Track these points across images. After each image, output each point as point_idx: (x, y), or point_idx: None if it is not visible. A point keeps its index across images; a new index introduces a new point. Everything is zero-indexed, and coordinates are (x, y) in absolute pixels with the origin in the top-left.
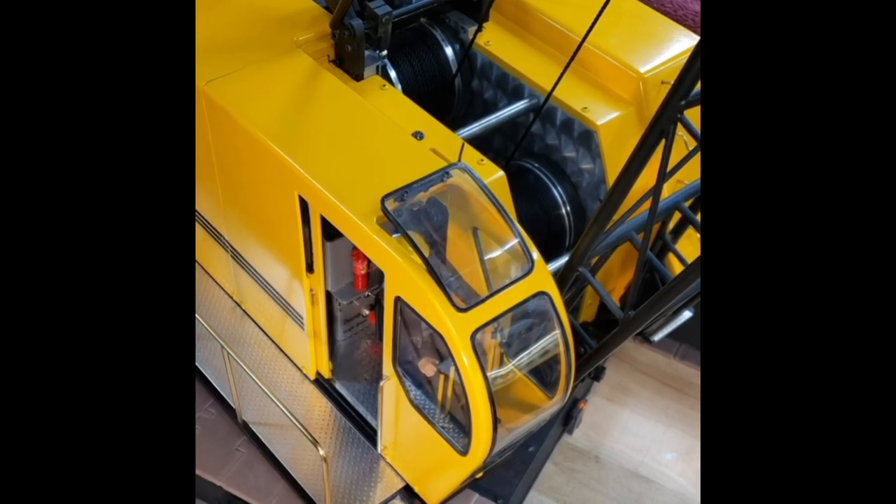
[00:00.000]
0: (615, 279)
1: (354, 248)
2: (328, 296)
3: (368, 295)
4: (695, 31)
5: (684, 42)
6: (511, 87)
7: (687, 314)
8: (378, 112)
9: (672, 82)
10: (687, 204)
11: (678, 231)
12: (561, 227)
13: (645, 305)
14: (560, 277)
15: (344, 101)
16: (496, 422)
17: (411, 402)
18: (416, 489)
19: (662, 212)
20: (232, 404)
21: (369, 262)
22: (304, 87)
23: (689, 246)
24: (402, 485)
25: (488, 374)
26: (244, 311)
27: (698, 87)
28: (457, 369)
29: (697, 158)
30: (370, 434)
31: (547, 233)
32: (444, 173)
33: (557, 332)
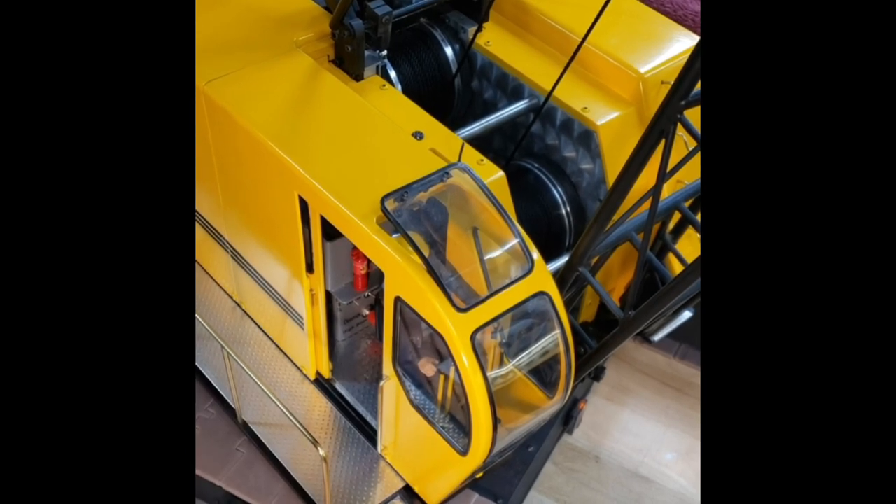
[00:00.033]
0: (615, 279)
1: (354, 248)
2: (328, 296)
3: (368, 295)
4: (695, 31)
5: (684, 42)
6: (511, 87)
7: (687, 314)
8: (378, 112)
9: (672, 82)
10: (687, 204)
11: (678, 231)
12: (561, 227)
13: (645, 305)
14: (560, 277)
15: (344, 102)
16: (496, 422)
17: (411, 402)
18: (416, 489)
19: (662, 212)
20: (232, 404)
21: (369, 262)
22: (303, 88)
23: (689, 246)
24: (402, 485)
25: (488, 374)
26: (244, 311)
27: (698, 87)
28: (457, 369)
29: (697, 158)
30: (370, 434)
31: (547, 233)
32: (443, 173)
33: (557, 332)
